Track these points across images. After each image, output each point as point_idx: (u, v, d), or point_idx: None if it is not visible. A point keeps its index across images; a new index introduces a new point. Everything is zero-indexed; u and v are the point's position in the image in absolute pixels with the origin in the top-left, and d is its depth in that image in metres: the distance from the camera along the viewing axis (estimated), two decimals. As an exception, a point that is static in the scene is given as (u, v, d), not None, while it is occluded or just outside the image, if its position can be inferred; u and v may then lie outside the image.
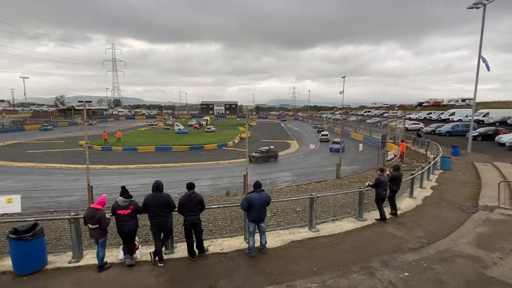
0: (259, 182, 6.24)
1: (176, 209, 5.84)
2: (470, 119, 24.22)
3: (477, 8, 19.12)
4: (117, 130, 46.37)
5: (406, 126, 34.75)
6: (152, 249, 5.79)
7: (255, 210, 5.95)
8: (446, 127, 32.63)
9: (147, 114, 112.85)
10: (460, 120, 36.70)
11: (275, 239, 6.85)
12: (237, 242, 6.67)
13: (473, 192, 11.58)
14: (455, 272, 5.36)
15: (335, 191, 11.50)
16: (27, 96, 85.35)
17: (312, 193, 7.60)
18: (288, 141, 46.69)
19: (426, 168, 12.97)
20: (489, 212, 8.96)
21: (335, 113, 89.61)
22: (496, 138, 24.88)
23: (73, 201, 15.77)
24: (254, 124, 75.64)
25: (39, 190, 17.71)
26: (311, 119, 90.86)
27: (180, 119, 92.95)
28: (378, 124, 45.91)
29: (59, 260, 5.83)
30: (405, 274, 5.30)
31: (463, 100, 53.60)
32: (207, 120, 78.86)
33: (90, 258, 5.87)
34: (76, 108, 79.91)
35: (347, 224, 7.93)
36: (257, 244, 6.22)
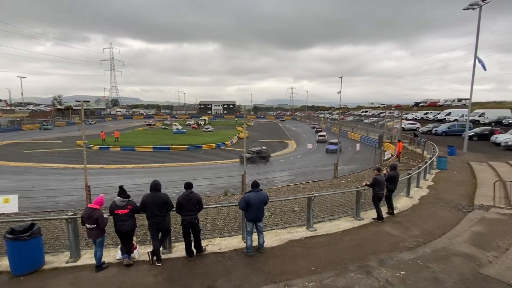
0: (257, 181, 6.27)
1: (174, 208, 5.86)
2: (466, 119, 24.41)
3: (473, 9, 19.25)
4: (115, 130, 46.23)
5: (403, 126, 34.88)
6: (150, 248, 5.80)
7: (253, 209, 5.97)
8: (443, 127, 32.83)
9: (145, 114, 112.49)
10: (456, 120, 36.95)
11: (273, 238, 6.88)
12: (235, 242, 6.69)
13: (469, 191, 11.67)
14: (451, 270, 5.41)
15: (333, 191, 11.55)
16: (24, 95, 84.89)
17: (310, 193, 7.64)
18: (286, 141, 46.76)
19: (422, 167, 13.06)
20: (485, 211, 9.04)
21: (333, 113, 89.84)
22: (491, 138, 25.06)
23: (70, 201, 15.71)
24: (252, 124, 75.67)
25: (36, 190, 17.61)
26: (309, 119, 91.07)
27: (180, 119, 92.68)
28: (375, 124, 46.11)
29: (56, 260, 5.82)
30: (402, 272, 5.34)
31: (459, 100, 53.93)
32: (205, 120, 78.74)
33: (87, 258, 5.86)
34: (74, 108, 79.55)
35: (344, 224, 7.97)
36: (255, 243, 6.24)
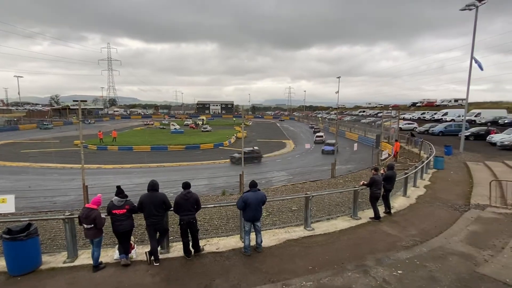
0: (254, 181, 6.27)
1: (171, 208, 5.86)
2: (462, 119, 24.53)
3: (470, 9, 19.34)
4: (113, 129, 46.04)
5: (400, 126, 35.05)
6: (147, 248, 5.79)
7: (251, 209, 5.98)
8: (439, 127, 33.01)
9: (143, 113, 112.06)
10: (452, 120, 37.15)
11: (270, 238, 6.89)
12: (233, 241, 6.70)
13: (465, 191, 11.74)
14: (448, 269, 5.45)
15: (330, 190, 11.57)
16: (21, 95, 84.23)
17: (308, 192, 7.66)
18: (284, 141, 46.82)
19: (419, 167, 13.12)
20: (481, 210, 9.10)
21: (330, 113, 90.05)
22: (487, 138, 25.24)
23: (68, 201, 15.64)
24: (250, 123, 75.64)
25: (33, 190, 17.52)
26: (307, 119, 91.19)
27: (180, 118, 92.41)
28: (373, 124, 46.24)
29: (53, 260, 5.80)
30: (399, 272, 5.37)
31: (456, 100, 54.28)
32: (203, 119, 78.65)
33: (85, 258, 5.84)
34: (71, 107, 79.13)
35: (342, 223, 8.00)
36: (253, 243, 6.25)
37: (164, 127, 62.74)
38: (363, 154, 28.70)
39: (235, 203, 6.34)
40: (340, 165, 23.29)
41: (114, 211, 5.45)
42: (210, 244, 6.52)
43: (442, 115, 42.46)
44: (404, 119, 44.58)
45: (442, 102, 57.71)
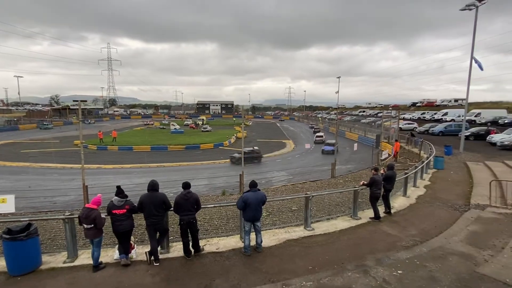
0: (254, 181, 6.27)
1: (171, 208, 5.86)
2: (462, 119, 24.54)
3: (470, 9, 19.35)
4: (113, 129, 46.05)
5: (400, 126, 35.05)
6: (147, 248, 5.80)
7: (251, 209, 5.98)
8: (439, 127, 33.02)
9: (142, 113, 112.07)
10: (452, 120, 37.15)
11: (270, 238, 6.89)
12: (233, 241, 6.70)
13: (465, 191, 11.74)
14: (448, 269, 5.45)
15: (330, 190, 11.57)
16: (21, 95, 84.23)
17: (308, 192, 7.66)
18: (284, 141, 46.82)
19: (419, 167, 13.12)
20: (481, 210, 9.10)
21: (330, 113, 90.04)
22: (487, 138, 25.24)
23: (68, 201, 15.64)
24: (250, 123, 75.63)
25: (33, 190, 17.52)
26: (307, 119, 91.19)
27: (180, 118, 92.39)
28: (373, 124, 46.24)
29: (53, 260, 5.80)
30: (399, 272, 5.37)
31: (456, 100, 54.28)
32: (203, 119, 78.64)
33: (85, 258, 5.85)
34: (71, 107, 79.13)
35: (342, 223, 8.00)
36: (253, 243, 6.25)
37: (164, 127, 62.74)
38: (363, 154, 28.69)
39: (235, 203, 6.34)
40: (340, 165, 23.29)
41: (114, 211, 5.45)
42: (210, 244, 6.52)
43: (442, 115, 42.46)
44: (404, 119, 44.57)
45: (442, 102, 57.72)
